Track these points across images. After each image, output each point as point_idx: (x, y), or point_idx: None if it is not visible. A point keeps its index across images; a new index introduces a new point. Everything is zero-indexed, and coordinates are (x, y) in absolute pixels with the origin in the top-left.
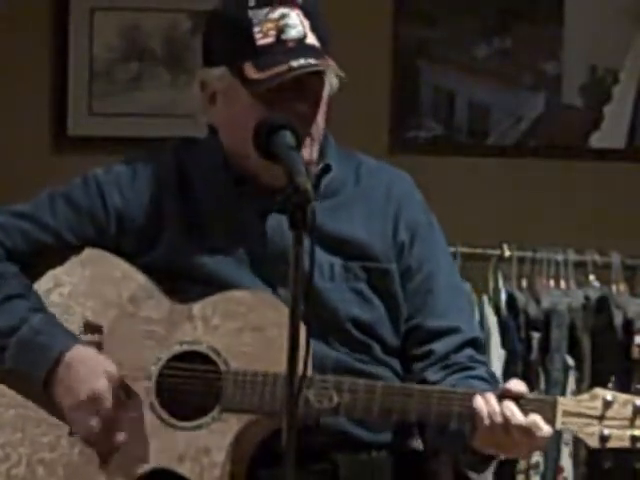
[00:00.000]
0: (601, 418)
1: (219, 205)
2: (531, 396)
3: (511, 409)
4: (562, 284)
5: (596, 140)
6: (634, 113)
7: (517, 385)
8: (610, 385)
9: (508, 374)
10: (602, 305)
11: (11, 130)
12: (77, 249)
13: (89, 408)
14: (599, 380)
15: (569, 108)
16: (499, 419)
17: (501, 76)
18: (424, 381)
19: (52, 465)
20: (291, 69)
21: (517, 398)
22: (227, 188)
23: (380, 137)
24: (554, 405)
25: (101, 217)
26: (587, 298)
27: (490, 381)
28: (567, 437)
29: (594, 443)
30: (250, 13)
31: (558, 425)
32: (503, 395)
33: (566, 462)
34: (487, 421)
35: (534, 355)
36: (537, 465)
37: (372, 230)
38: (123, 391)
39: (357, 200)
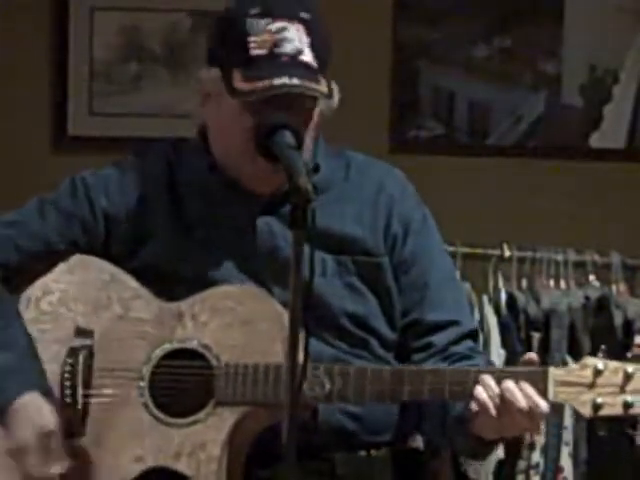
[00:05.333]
0: (592, 386)
1: (207, 207)
2: (522, 368)
3: (511, 391)
4: (562, 284)
5: (596, 140)
6: (634, 113)
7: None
8: (600, 354)
9: None
10: (602, 305)
11: (11, 130)
12: (65, 256)
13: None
14: None
15: (569, 108)
16: (499, 402)
17: (501, 76)
18: None
19: None
20: (272, 87)
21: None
22: (215, 190)
23: (380, 137)
24: (545, 376)
25: (89, 220)
26: (587, 298)
27: None
28: (567, 437)
29: (587, 411)
30: (249, 21)
31: (551, 396)
32: (501, 375)
33: (566, 462)
34: (486, 406)
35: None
36: (537, 465)
37: (362, 224)
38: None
39: (347, 196)
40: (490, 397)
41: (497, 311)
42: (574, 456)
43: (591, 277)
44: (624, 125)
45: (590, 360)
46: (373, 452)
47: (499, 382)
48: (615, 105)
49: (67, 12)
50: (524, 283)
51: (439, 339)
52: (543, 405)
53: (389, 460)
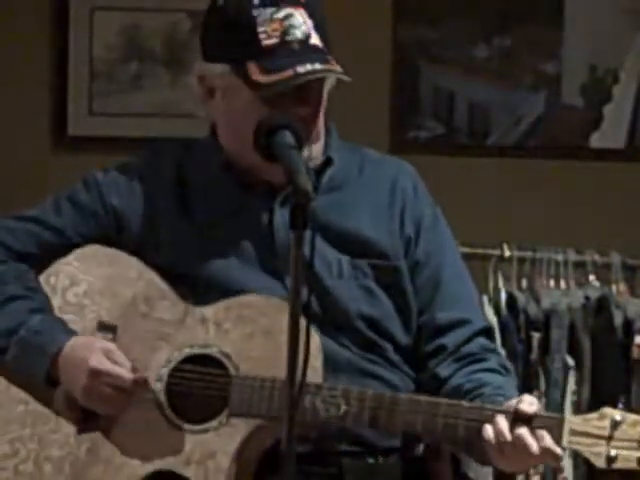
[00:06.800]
0: (608, 439)
1: (222, 204)
2: (539, 414)
3: (524, 440)
4: (562, 284)
5: (596, 140)
6: (634, 113)
7: (530, 405)
8: (620, 405)
9: None
10: (602, 305)
11: (11, 130)
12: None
13: (94, 385)
14: (599, 380)
15: (569, 108)
16: (511, 448)
17: (501, 76)
18: (435, 377)
19: (59, 463)
20: (297, 75)
21: (529, 419)
22: (230, 186)
23: (380, 137)
24: (561, 424)
25: (102, 216)
26: (587, 298)
27: (502, 372)
28: None
29: (600, 463)
30: (254, 12)
31: (564, 444)
32: (515, 418)
33: (566, 462)
34: (498, 448)
35: (534, 355)
36: (537, 465)
37: (379, 226)
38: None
39: (362, 194)
40: (501, 443)
41: (497, 311)
42: (574, 456)
43: (591, 277)
44: (624, 125)
45: (609, 411)
46: (381, 459)
47: (513, 424)
48: (615, 105)
49: (67, 12)
50: (524, 283)
51: (450, 340)
52: (558, 452)
53: (398, 467)
